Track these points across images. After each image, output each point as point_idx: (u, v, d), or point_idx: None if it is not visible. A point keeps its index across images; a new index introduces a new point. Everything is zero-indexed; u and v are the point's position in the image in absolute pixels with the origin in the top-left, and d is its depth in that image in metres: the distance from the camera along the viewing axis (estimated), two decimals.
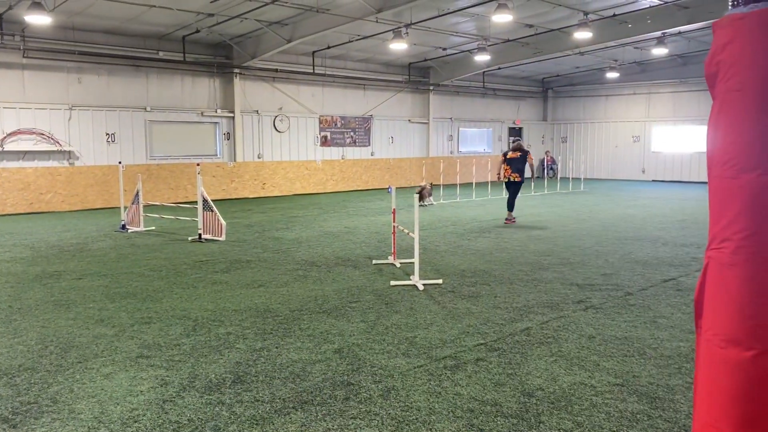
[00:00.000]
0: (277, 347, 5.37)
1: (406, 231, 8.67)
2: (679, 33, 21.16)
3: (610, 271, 8.46)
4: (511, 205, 13.65)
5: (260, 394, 4.37)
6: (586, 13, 17.52)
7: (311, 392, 4.40)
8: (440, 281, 7.83)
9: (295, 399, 4.29)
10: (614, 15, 17.95)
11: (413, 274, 7.87)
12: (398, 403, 4.22)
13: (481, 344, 5.44)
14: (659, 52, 22.25)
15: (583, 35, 18.09)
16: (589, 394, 4.37)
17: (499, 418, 3.99)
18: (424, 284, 7.64)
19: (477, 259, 9.44)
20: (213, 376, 4.72)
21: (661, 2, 17.22)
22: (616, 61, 25.46)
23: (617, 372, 4.77)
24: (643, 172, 27.94)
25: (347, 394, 4.37)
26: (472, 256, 9.63)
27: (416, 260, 7.84)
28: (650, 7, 17.72)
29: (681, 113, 26.80)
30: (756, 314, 2.06)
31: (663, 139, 27.41)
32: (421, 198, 17.05)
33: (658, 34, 20.45)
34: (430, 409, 4.13)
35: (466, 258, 9.50)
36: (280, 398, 4.31)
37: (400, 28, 17.40)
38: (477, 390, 4.44)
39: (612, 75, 26.99)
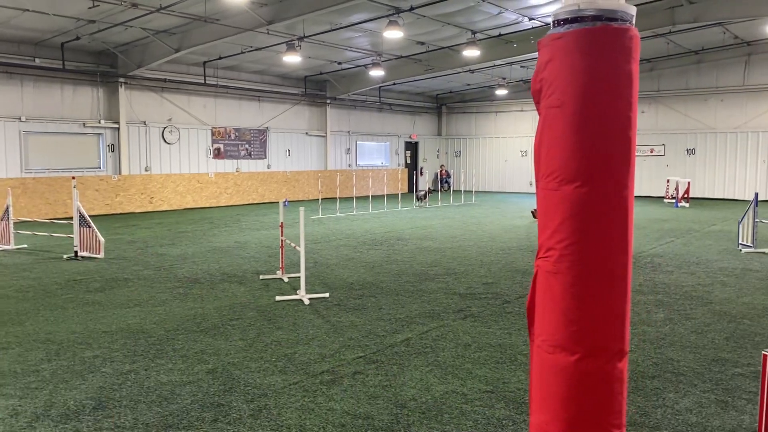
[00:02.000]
0: (146, 369, 5.11)
1: (292, 245, 8.56)
2: None
3: (491, 281, 8.74)
4: None
5: (122, 420, 4.13)
6: (473, 32, 18.19)
7: (178, 415, 4.21)
8: (327, 295, 7.78)
9: (159, 423, 4.09)
10: (500, 35, 18.75)
11: (300, 288, 7.77)
12: (268, 422, 4.12)
13: (361, 357, 5.44)
14: None
15: (471, 53, 18.75)
16: (459, 402, 4.46)
17: (369, 431, 3.98)
18: (310, 298, 7.57)
19: (366, 271, 9.47)
20: (72, 402, 4.42)
21: (543, 24, 18.17)
22: (504, 78, 26.59)
23: (489, 379, 4.91)
24: (531, 185, 29.25)
25: (216, 415, 4.22)
26: (362, 269, 9.65)
27: (302, 274, 7.76)
28: (533, 28, 18.65)
29: None
30: (578, 319, 2.17)
31: None
32: (422, 199, 22.10)
33: None
34: (301, 426, 4.06)
35: (355, 271, 9.51)
36: (143, 423, 4.09)
37: (293, 41, 17.33)
38: (351, 404, 4.41)
39: (501, 92, 28.15)
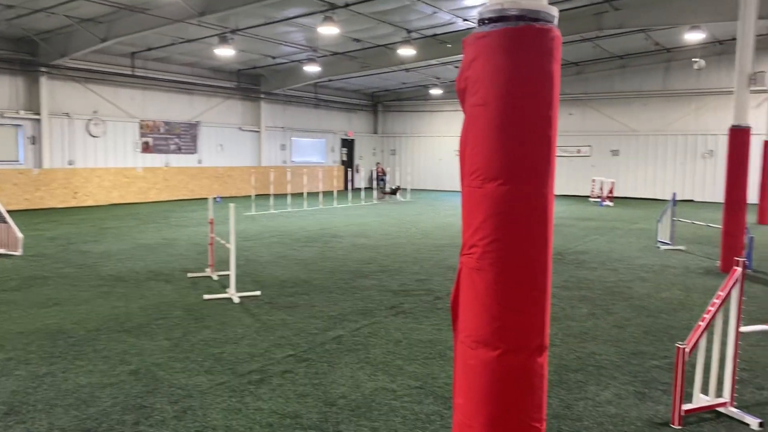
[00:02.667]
0: (64, 372, 4.88)
1: (222, 242, 8.38)
2: None
3: (424, 277, 8.82)
4: None
5: (36, 425, 3.93)
6: (409, 32, 18.31)
7: (97, 419, 4.04)
8: (258, 293, 7.66)
9: (76, 427, 3.91)
10: (435, 35, 18.95)
11: (230, 286, 7.61)
12: (193, 423, 4.01)
13: (291, 356, 5.37)
14: None
15: (406, 52, 18.86)
16: (389, 398, 4.47)
17: (298, 431, 3.93)
18: (240, 297, 7.42)
19: (300, 269, 9.38)
20: None
21: (476, 26, 18.46)
22: (438, 78, 26.91)
23: (418, 375, 4.94)
24: None
25: (138, 417, 4.08)
26: (295, 267, 9.55)
27: (232, 272, 7.60)
28: (467, 29, 18.93)
29: None
30: (500, 315, 2.20)
31: None
32: (394, 193, 24.46)
33: None
34: (227, 426, 3.97)
35: (288, 268, 9.40)
36: (59, 428, 3.90)
37: (225, 33, 16.96)
38: (279, 403, 4.35)
39: (436, 92, 28.48)
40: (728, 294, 4.12)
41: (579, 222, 16.54)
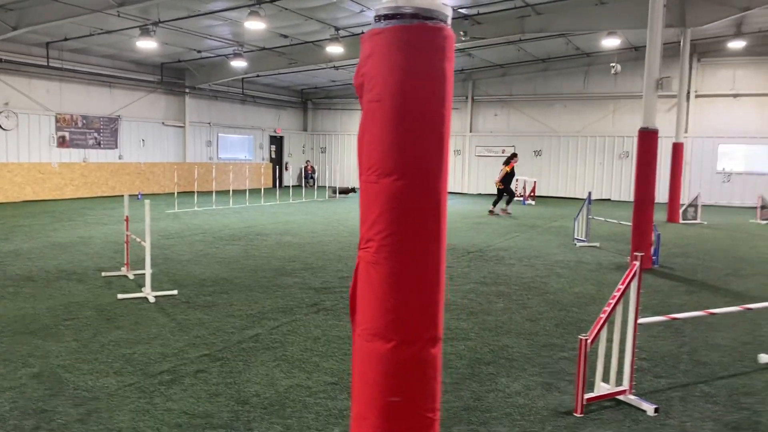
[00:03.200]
0: None
1: (138, 240, 8.12)
2: None
3: (347, 275, 8.84)
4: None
5: None
6: (336, 29, 18.28)
7: None
8: (175, 292, 7.47)
9: None
10: (363, 32, 18.95)
11: (146, 285, 7.39)
12: (98, 426, 3.88)
13: (206, 355, 5.28)
14: None
15: (335, 50, 18.83)
16: (303, 395, 4.46)
17: (207, 430, 3.87)
18: (156, 296, 7.23)
19: (222, 267, 9.22)
20: None
21: None
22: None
23: (334, 371, 4.96)
24: None
25: (38, 422, 3.91)
26: (216, 265, 9.38)
27: (147, 271, 7.38)
28: None
29: None
30: (395, 308, 2.24)
31: None
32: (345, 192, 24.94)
33: None
34: (134, 428, 3.87)
35: (209, 267, 9.22)
36: None
37: (147, 25, 16.43)
38: (190, 403, 4.27)
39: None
40: (627, 287, 4.33)
41: (502, 220, 16.98)
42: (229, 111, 27.30)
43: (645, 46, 10.21)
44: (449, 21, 2.30)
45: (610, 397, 4.45)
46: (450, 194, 27.42)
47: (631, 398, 4.41)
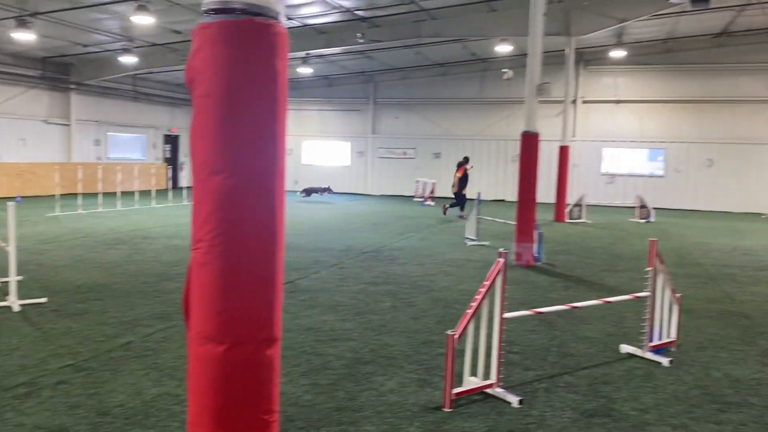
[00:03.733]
0: None
1: (2, 244, 7.55)
2: (321, 55, 23.07)
3: None
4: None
5: None
6: None
7: None
8: (44, 300, 7.01)
9: None
10: None
11: (10, 293, 6.88)
12: None
13: (69, 365, 4.97)
14: (305, 71, 23.95)
15: None
16: (171, 403, 4.30)
17: None
18: (22, 304, 6.74)
19: (100, 273, 8.75)
20: None
21: (301, 24, 18.51)
22: None
23: None
24: (296, 182, 29.70)
25: None
26: (95, 270, 8.90)
27: (12, 278, 6.88)
28: (292, 27, 18.91)
29: (328, 130, 29.25)
30: (226, 310, 2.19)
31: (312, 153, 29.57)
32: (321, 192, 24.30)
33: (303, 54, 21.98)
34: None
35: (86, 272, 8.73)
36: None
37: (23, 16, 15.38)
38: (45, 417, 4.00)
39: None
40: (492, 283, 4.47)
41: (400, 221, 17.20)
42: (120, 109, 26.07)
43: None
44: (282, 18, 2.27)
45: (479, 391, 4.58)
46: (352, 195, 27.52)
47: (498, 391, 4.56)
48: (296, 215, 17.85)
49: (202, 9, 2.20)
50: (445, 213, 18.61)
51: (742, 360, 5.59)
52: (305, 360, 5.27)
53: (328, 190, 24.51)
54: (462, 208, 18.17)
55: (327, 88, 28.71)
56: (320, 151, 29.53)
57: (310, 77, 27.30)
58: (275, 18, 2.22)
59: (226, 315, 2.17)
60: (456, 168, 18.66)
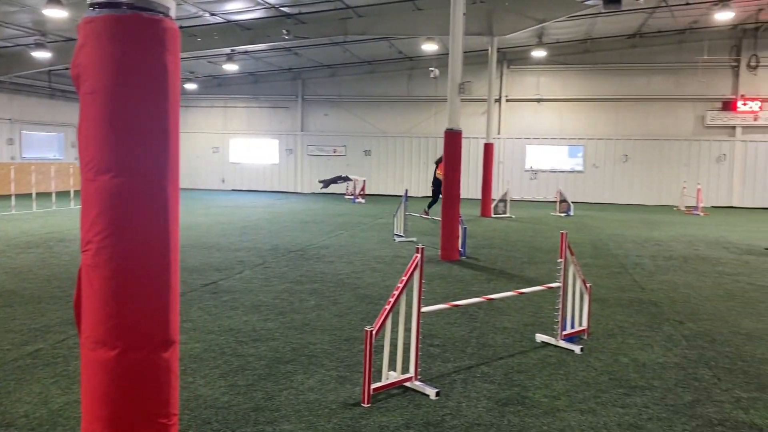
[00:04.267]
0: None
1: None
2: (247, 52, 22.72)
3: None
4: None
5: None
6: None
7: None
8: None
9: None
10: (181, 27, 18.20)
11: None
12: None
13: None
14: (230, 68, 23.53)
15: None
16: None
17: None
18: None
19: (9, 278, 8.33)
20: None
21: (225, 21, 18.17)
22: (192, 73, 25.97)
23: None
24: (223, 181, 29.16)
25: None
26: (3, 276, 8.47)
27: None
28: (216, 23, 18.53)
29: (255, 127, 28.84)
30: (117, 313, 2.14)
31: (240, 151, 29.08)
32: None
33: (228, 50, 21.59)
34: None
35: None
36: None
37: None
38: None
39: (190, 86, 27.46)
40: (410, 278, 4.54)
41: (329, 218, 17.17)
42: (35, 106, 24.86)
43: (464, 53, 10.84)
44: (172, 13, 2.23)
45: (398, 385, 4.64)
46: (282, 194, 27.26)
47: (417, 384, 4.63)
48: (221, 215, 17.53)
49: (87, 2, 2.13)
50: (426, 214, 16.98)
51: (649, 345, 5.89)
52: (224, 361, 5.20)
53: (345, 179, 24.31)
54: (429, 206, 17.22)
55: (254, 85, 28.29)
56: (248, 148, 29.07)
57: (236, 74, 26.85)
58: (164, 13, 2.18)
59: (117, 319, 2.11)
60: (435, 166, 17.09)
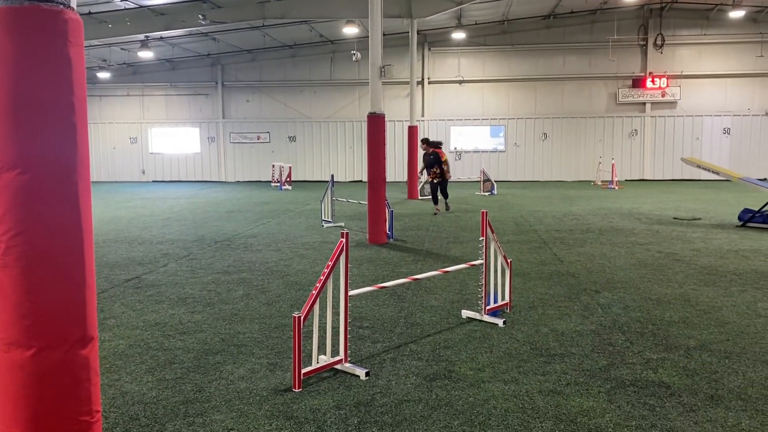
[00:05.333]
0: None
1: None
2: (162, 38, 21.97)
3: None
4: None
5: None
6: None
7: None
8: None
9: None
10: (90, 13, 17.40)
11: None
12: None
13: None
14: (145, 55, 22.70)
15: None
16: None
17: None
18: None
19: None
20: None
21: (137, 6, 17.49)
22: (105, 61, 24.90)
23: None
24: (143, 173, 28.23)
25: None
26: None
27: None
28: (127, 9, 17.80)
29: (174, 115, 27.98)
30: (31, 313, 2.09)
31: (160, 141, 28.17)
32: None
33: (142, 37, 20.80)
34: None
35: None
36: None
37: None
38: None
39: (104, 75, 26.33)
40: (336, 262, 4.59)
41: (256, 207, 16.96)
42: None
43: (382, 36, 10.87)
44: (73, 3, 2.17)
45: (329, 368, 4.71)
46: (206, 183, 26.65)
47: (347, 366, 4.71)
48: (143, 207, 17.02)
49: None
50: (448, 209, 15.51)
51: (567, 315, 6.19)
52: (151, 356, 5.11)
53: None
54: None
55: (171, 72, 27.40)
56: (168, 138, 28.20)
57: (152, 61, 25.94)
58: (65, 4, 2.11)
59: (31, 318, 2.06)
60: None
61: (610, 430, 3.74)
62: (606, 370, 4.70)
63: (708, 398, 4.18)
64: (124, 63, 26.07)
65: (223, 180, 27.81)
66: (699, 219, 13.33)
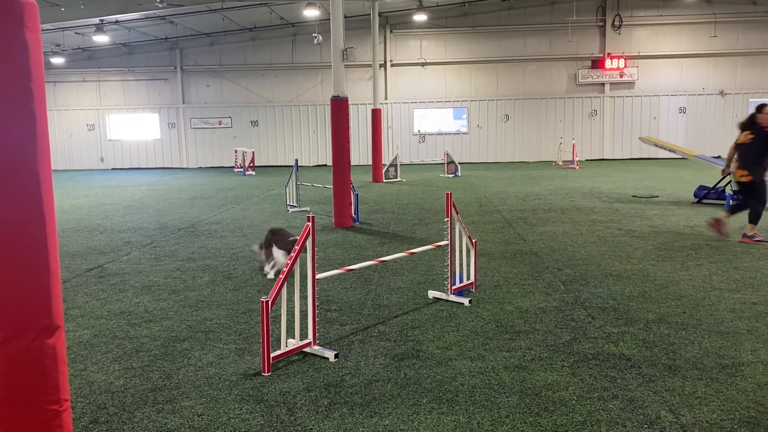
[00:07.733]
0: None
1: None
2: (118, 22, 21.42)
3: None
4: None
5: None
6: None
7: None
8: None
9: None
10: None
11: None
12: None
13: None
14: (101, 39, 22.12)
15: None
16: None
17: None
18: None
19: None
20: None
21: None
22: (58, 46, 24.15)
23: None
24: (102, 160, 27.61)
25: None
26: None
27: None
28: None
29: (132, 101, 27.37)
30: None
31: (119, 127, 27.55)
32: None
33: (96, 20, 20.25)
34: None
35: None
36: None
37: None
38: None
39: (57, 60, 25.55)
40: (302, 246, 4.60)
41: (219, 193, 16.78)
42: None
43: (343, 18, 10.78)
44: None
45: (297, 351, 4.73)
46: (167, 170, 26.21)
47: (316, 349, 4.75)
48: (103, 196, 16.68)
49: None
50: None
51: (531, 293, 6.32)
52: (117, 345, 5.06)
53: None
54: None
55: (128, 57, 26.75)
56: (127, 124, 27.58)
57: (108, 45, 25.26)
58: None
59: None
60: (741, 130, 9.59)
61: (573, 402, 3.86)
62: (569, 345, 4.83)
63: (666, 368, 4.34)
64: (79, 48, 25.36)
65: (185, 166, 27.38)
66: (657, 196, 13.68)
